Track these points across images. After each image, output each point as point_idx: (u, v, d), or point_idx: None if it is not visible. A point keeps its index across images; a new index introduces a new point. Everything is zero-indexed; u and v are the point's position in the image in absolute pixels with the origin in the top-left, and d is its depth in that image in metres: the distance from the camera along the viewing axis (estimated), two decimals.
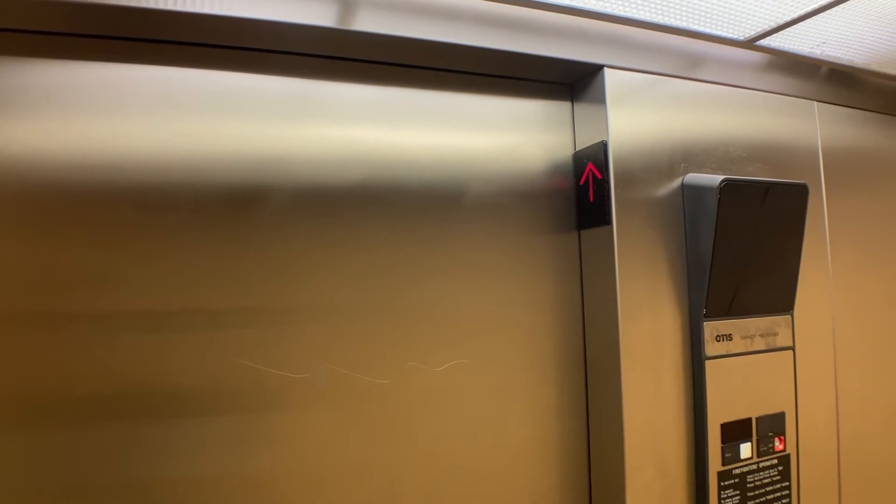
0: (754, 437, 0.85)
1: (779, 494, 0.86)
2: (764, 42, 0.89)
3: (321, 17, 0.67)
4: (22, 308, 0.60)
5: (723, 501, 0.81)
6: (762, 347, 0.87)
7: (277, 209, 0.70)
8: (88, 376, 0.62)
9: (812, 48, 0.93)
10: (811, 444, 0.92)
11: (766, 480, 0.85)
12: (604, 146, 0.80)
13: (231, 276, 0.68)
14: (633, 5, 0.77)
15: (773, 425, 0.87)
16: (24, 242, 0.60)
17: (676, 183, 0.84)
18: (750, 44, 0.90)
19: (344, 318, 0.73)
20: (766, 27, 0.84)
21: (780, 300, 0.89)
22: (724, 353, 0.83)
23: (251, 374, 0.68)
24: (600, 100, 0.82)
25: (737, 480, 0.83)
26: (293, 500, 0.69)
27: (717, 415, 0.82)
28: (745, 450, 0.84)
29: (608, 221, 0.79)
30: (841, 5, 0.78)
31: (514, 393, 0.81)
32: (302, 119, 0.73)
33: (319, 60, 0.74)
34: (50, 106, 0.62)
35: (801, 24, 0.83)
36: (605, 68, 0.81)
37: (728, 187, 0.80)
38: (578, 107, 0.87)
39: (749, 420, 0.85)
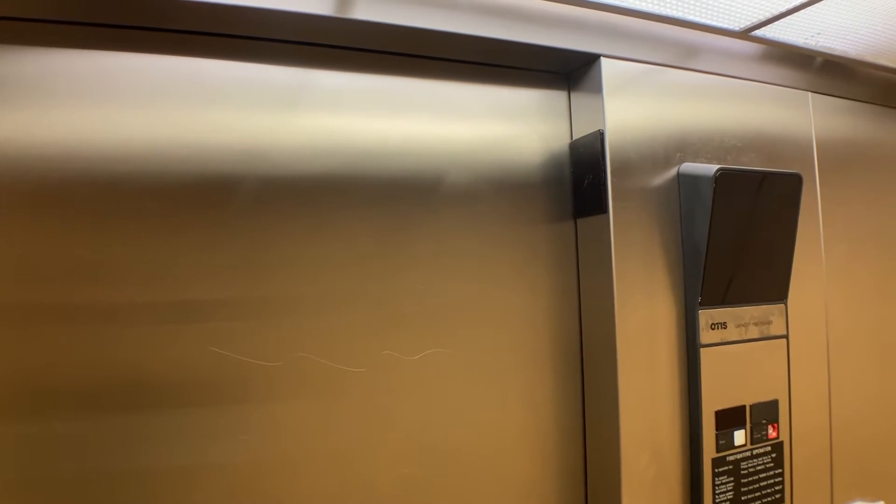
0: (748, 425, 0.86)
1: (772, 481, 0.87)
2: (759, 32, 0.90)
3: (312, 4, 0.66)
4: None
5: (717, 487, 0.82)
6: (756, 336, 0.88)
7: (259, 199, 0.69)
8: (55, 368, 0.60)
9: (807, 39, 0.94)
10: (804, 432, 0.93)
11: (759, 467, 0.86)
12: (600, 135, 0.80)
13: (208, 265, 0.66)
14: None
15: (767, 413, 0.88)
16: None
17: (672, 172, 0.84)
18: (745, 34, 0.90)
19: (321, 307, 0.71)
20: (762, 18, 0.85)
21: (775, 289, 0.90)
22: (718, 341, 0.84)
23: (224, 363, 0.66)
24: (597, 89, 0.82)
25: (731, 467, 0.84)
26: (267, 489, 0.68)
27: (712, 402, 0.83)
28: (739, 437, 0.85)
29: (605, 210, 0.80)
30: None
31: (507, 381, 0.82)
32: (289, 108, 0.71)
33: (310, 49, 0.73)
34: (34, 94, 0.61)
35: (795, 14, 0.84)
36: (602, 58, 0.81)
37: (723, 177, 0.81)
38: (575, 96, 0.87)
39: (743, 407, 0.86)
